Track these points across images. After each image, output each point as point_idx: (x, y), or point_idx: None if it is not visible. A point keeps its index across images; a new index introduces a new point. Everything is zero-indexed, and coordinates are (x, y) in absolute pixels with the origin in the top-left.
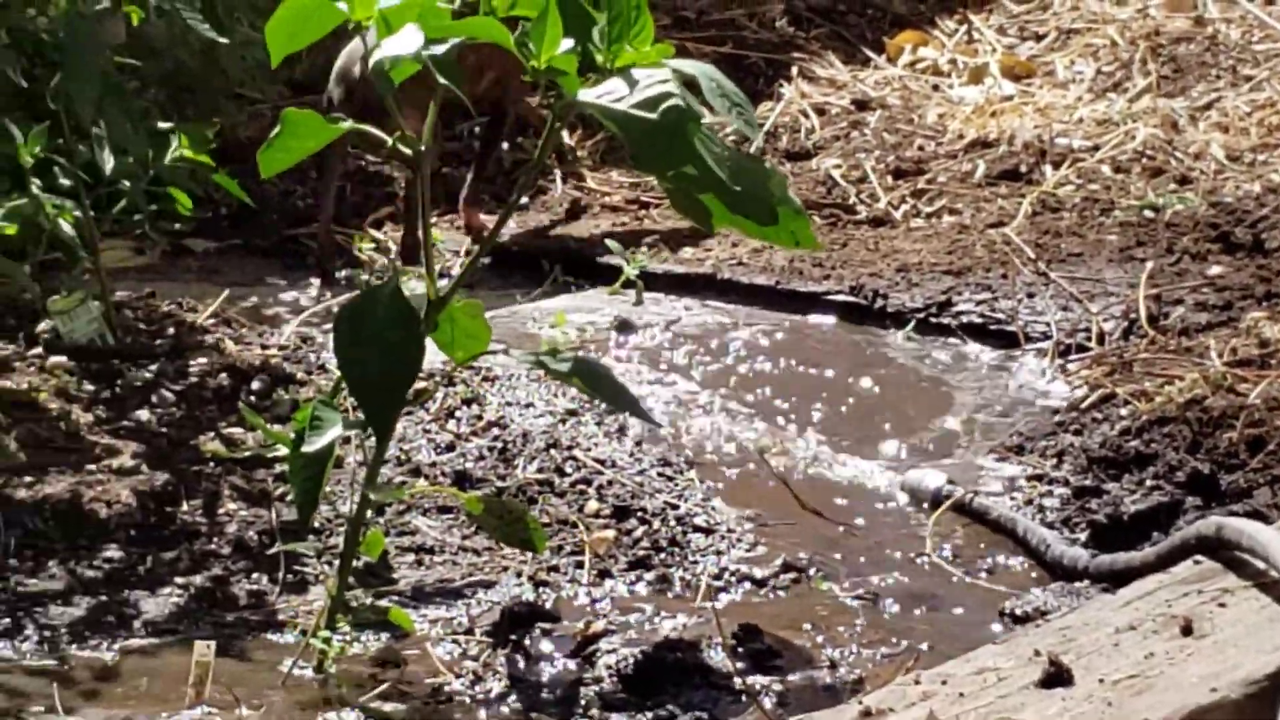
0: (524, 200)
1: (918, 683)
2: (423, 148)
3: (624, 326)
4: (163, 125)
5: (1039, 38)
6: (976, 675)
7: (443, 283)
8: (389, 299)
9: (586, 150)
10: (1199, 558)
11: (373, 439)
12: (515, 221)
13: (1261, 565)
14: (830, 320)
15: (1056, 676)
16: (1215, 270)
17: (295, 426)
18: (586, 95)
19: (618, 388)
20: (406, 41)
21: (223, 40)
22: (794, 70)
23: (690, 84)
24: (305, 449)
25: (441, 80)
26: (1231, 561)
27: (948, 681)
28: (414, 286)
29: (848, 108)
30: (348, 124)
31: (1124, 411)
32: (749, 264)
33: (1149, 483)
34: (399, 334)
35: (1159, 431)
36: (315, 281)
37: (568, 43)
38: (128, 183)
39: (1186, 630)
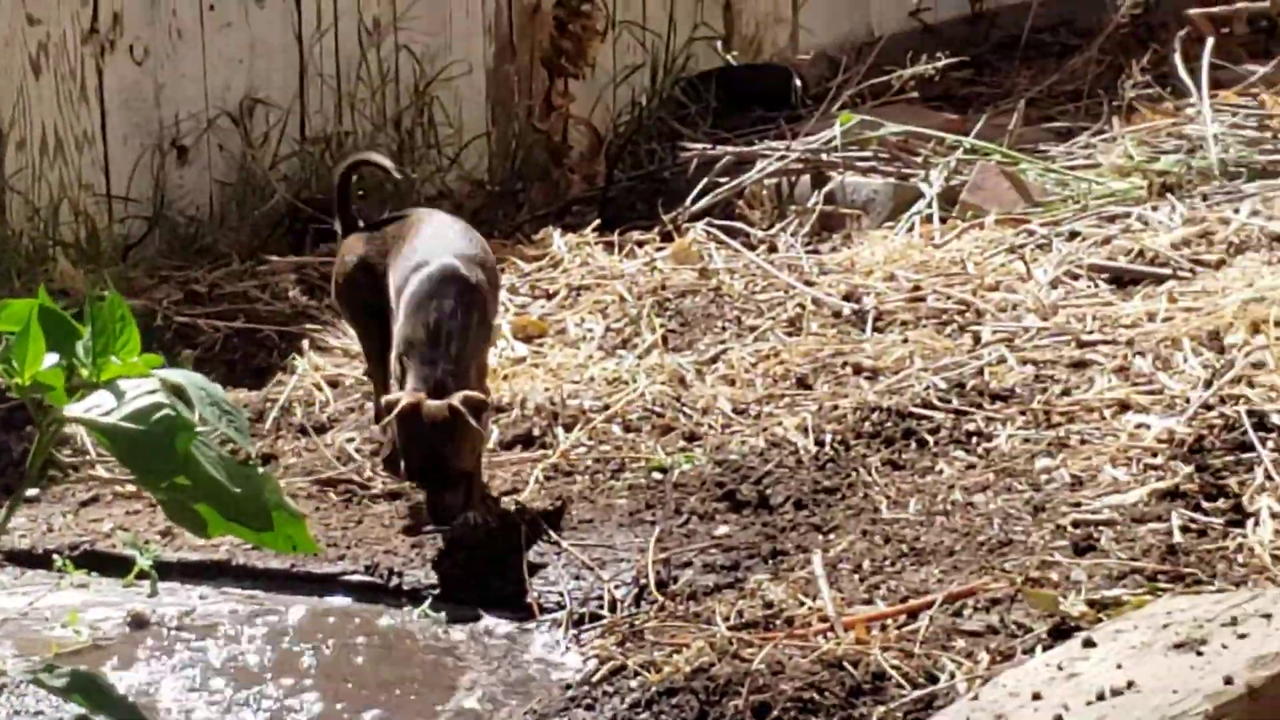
0: (34, 492)
1: None
2: None
3: (138, 622)
4: None
5: (550, 295)
6: None
7: None
8: None
9: (94, 439)
10: None
11: None
12: (26, 515)
13: None
14: (346, 601)
15: None
16: (722, 530)
17: None
18: (74, 409)
19: (117, 701)
20: None
21: None
22: (305, 342)
23: (179, 392)
24: None
25: None
26: None
27: None
28: None
29: (360, 378)
30: None
31: (634, 683)
32: (263, 549)
33: None
34: None
35: (668, 703)
36: None
37: (52, 358)
38: None
39: None
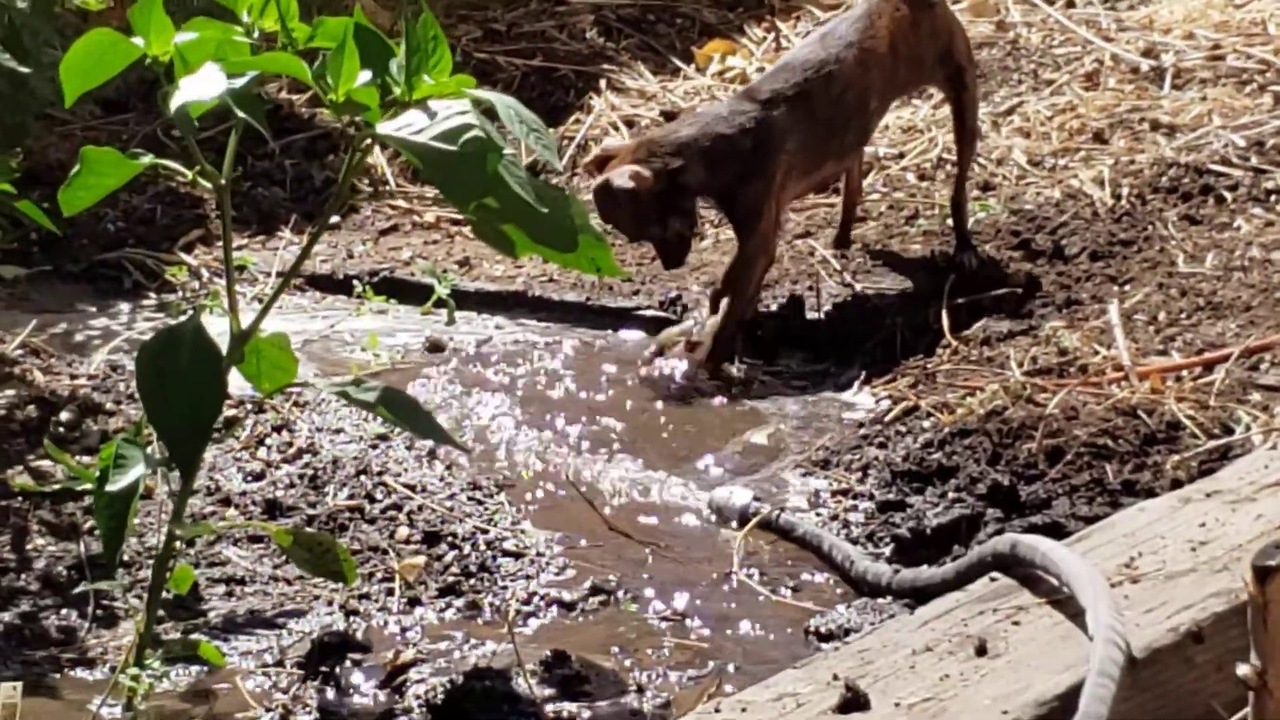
0: (335, 219)
1: (718, 711)
2: (223, 180)
3: (435, 347)
4: None
5: None
6: (775, 701)
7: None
8: (191, 335)
9: (396, 168)
10: (995, 574)
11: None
12: (326, 242)
13: (1054, 582)
14: (640, 336)
15: (853, 702)
16: (1017, 278)
17: (100, 464)
18: (386, 128)
19: (423, 416)
20: (207, 85)
21: (25, 70)
22: (603, 82)
23: (489, 112)
24: (109, 488)
25: (240, 114)
26: (1026, 578)
27: (747, 709)
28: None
29: (657, 119)
30: (148, 159)
31: (927, 424)
32: (559, 280)
33: (951, 495)
34: (202, 371)
35: (960, 444)
36: (125, 307)
37: (365, 75)
38: None
39: (981, 650)
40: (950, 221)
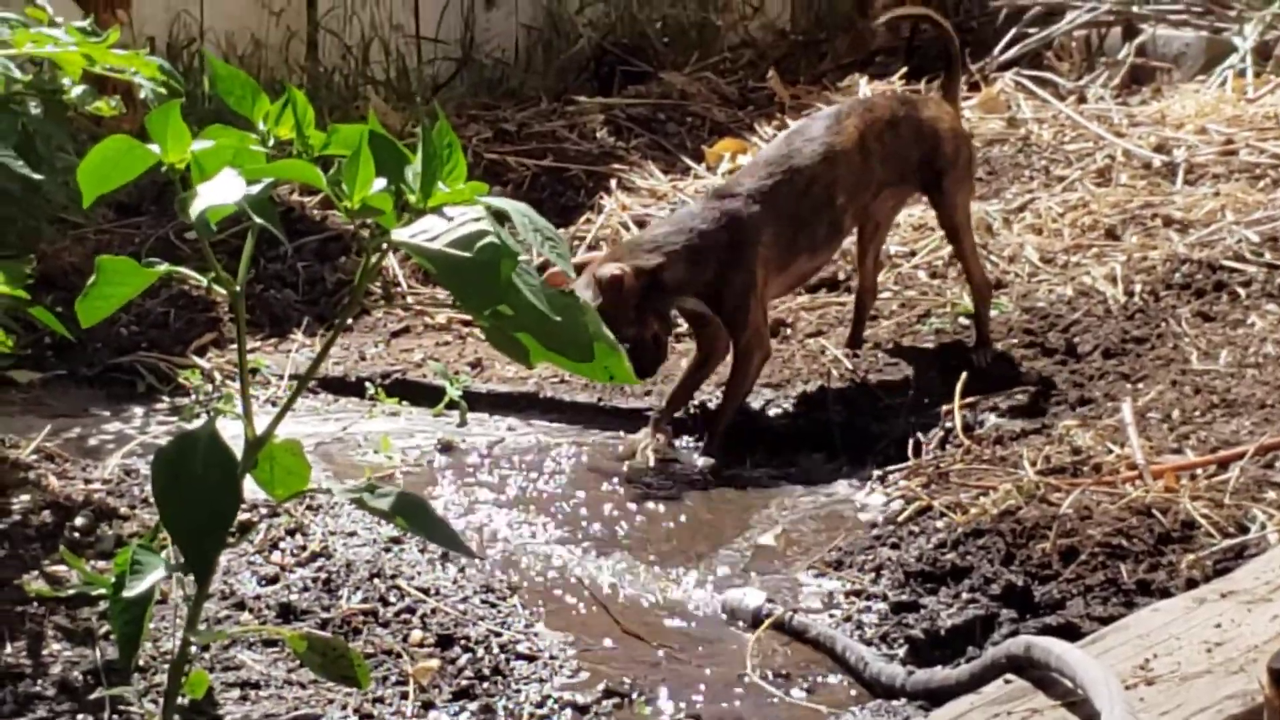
0: (347, 322)
1: None
2: (237, 287)
3: (448, 449)
4: None
5: None
6: None
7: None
8: (207, 441)
9: (408, 270)
10: (1010, 676)
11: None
12: (339, 344)
13: (1069, 684)
14: None
15: None
16: (1029, 376)
17: (115, 569)
18: (401, 234)
19: (438, 523)
20: (226, 191)
21: (38, 177)
22: (614, 182)
23: (501, 218)
24: (125, 594)
25: (257, 220)
26: (1041, 681)
27: None
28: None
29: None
30: (164, 267)
31: (940, 524)
32: (571, 382)
33: (965, 596)
34: (217, 477)
35: (974, 544)
36: (139, 411)
37: (380, 182)
38: None
39: None
40: (963, 320)
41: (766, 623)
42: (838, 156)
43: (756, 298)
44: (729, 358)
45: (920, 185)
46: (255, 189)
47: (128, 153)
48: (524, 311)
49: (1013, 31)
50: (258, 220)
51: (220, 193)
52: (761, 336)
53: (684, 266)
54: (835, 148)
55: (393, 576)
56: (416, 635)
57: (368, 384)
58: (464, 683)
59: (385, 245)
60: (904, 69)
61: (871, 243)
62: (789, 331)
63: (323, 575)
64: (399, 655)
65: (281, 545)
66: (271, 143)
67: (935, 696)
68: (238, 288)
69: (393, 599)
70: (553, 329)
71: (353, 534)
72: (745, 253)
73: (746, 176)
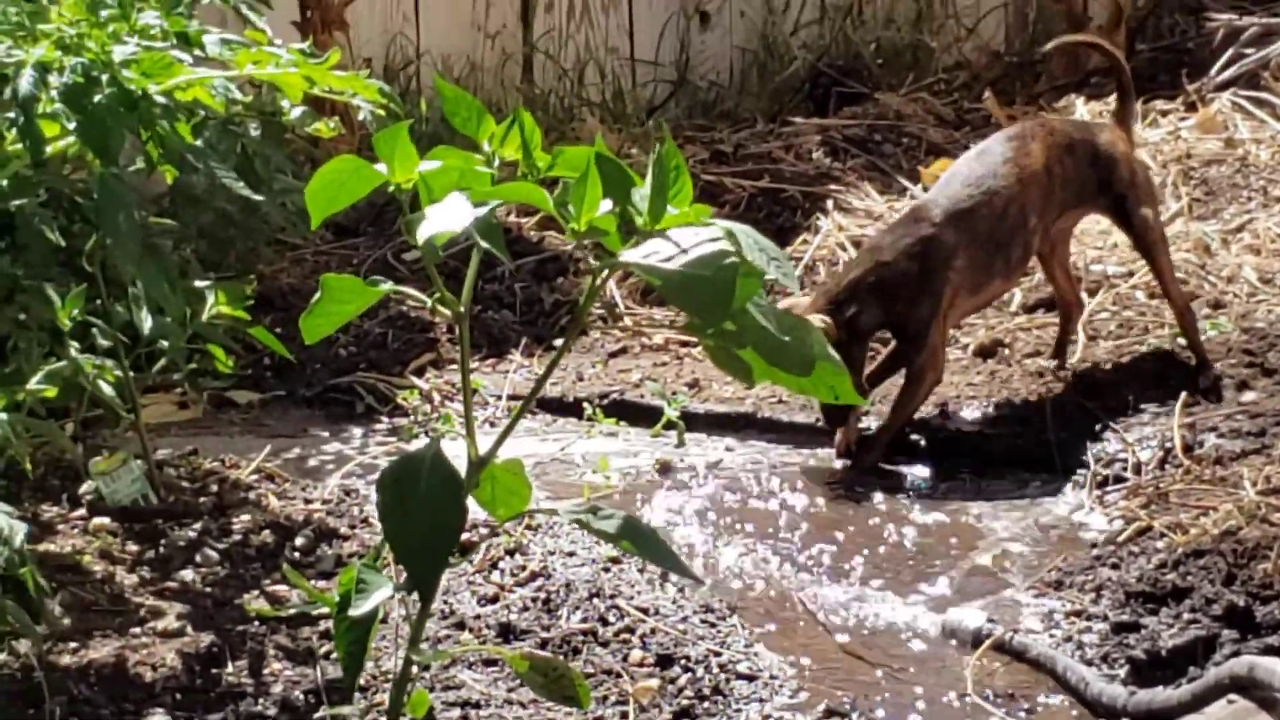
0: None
1: None
2: (461, 308)
3: (666, 469)
4: (200, 283)
5: None
6: None
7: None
8: (431, 462)
9: (625, 291)
10: (1233, 697)
11: (416, 596)
12: (557, 365)
13: None
14: None
15: None
16: (1249, 396)
17: (340, 589)
18: (631, 256)
19: (660, 546)
20: (454, 216)
21: (258, 198)
22: (830, 203)
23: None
24: (351, 613)
25: (483, 244)
26: (1265, 701)
27: None
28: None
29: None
30: (387, 286)
31: (1160, 544)
32: (789, 402)
33: (1186, 616)
34: (441, 497)
35: (1195, 564)
36: (357, 431)
37: (607, 204)
38: (165, 342)
39: None
40: (1181, 341)
41: (987, 643)
42: (1030, 178)
43: (939, 321)
44: (906, 374)
45: (1105, 210)
46: (481, 211)
47: (354, 173)
48: (750, 330)
49: (1229, 51)
50: (482, 244)
51: (448, 218)
52: (937, 360)
53: (876, 307)
54: (1027, 170)
55: (612, 596)
56: (636, 655)
57: (586, 404)
58: (684, 702)
59: (611, 267)
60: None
61: (1055, 260)
62: (1006, 351)
63: (542, 595)
64: (619, 675)
65: (501, 565)
66: (496, 164)
67: (1157, 718)
68: (461, 308)
69: (612, 619)
70: (779, 347)
71: (572, 554)
72: (936, 279)
73: (941, 198)
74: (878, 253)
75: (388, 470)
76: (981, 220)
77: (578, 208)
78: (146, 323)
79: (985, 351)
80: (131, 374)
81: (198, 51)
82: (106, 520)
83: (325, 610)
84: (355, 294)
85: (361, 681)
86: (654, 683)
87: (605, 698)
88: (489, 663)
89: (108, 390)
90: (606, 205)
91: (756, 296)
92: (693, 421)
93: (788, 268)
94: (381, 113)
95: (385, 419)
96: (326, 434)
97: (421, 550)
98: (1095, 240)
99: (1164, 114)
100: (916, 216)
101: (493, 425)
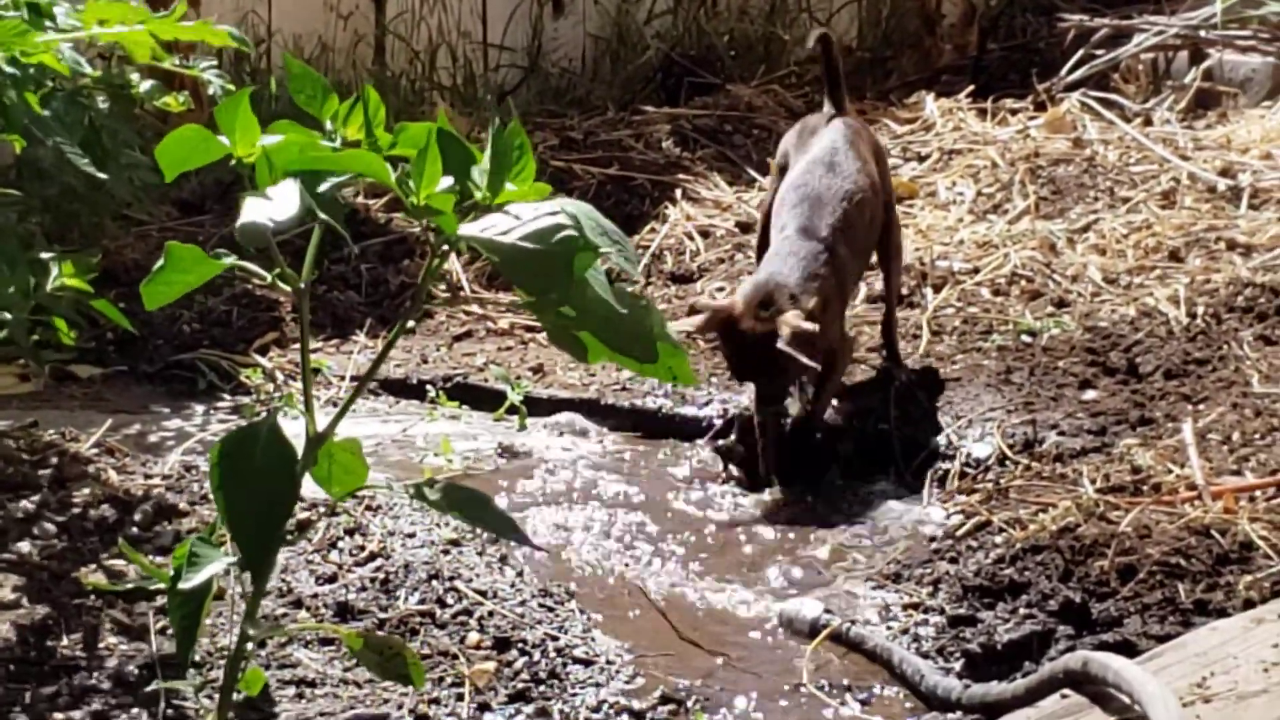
0: (409, 324)
1: None
2: (302, 284)
3: (507, 452)
4: (45, 255)
5: (921, 158)
6: None
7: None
8: (266, 437)
9: (471, 274)
10: (1066, 691)
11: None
12: (401, 346)
13: (1126, 700)
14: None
15: None
16: (1090, 395)
17: (174, 563)
18: (469, 229)
19: (498, 515)
20: (283, 205)
21: (102, 176)
22: (679, 192)
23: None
24: (183, 585)
25: (322, 216)
26: (1098, 696)
27: None
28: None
29: (732, 230)
30: (230, 259)
31: (999, 539)
32: (632, 389)
33: (1022, 611)
34: (276, 470)
35: (1032, 560)
36: (199, 408)
37: (447, 180)
38: (8, 314)
39: None
40: (1025, 338)
41: (824, 633)
42: (873, 184)
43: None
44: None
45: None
46: (323, 187)
47: (201, 143)
48: (588, 309)
49: (1080, 52)
50: (323, 218)
51: (276, 207)
52: (847, 344)
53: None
54: (871, 176)
55: (451, 578)
56: (473, 637)
57: (429, 387)
58: (520, 685)
59: (450, 243)
60: (970, 86)
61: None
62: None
63: (380, 575)
64: (455, 657)
65: (340, 545)
66: (339, 142)
67: (992, 710)
68: (302, 284)
69: (450, 601)
70: (618, 327)
71: (411, 535)
72: (844, 292)
73: (824, 216)
74: (805, 257)
75: (223, 442)
76: (860, 231)
77: (418, 182)
78: None
79: None
80: None
81: (48, 22)
82: None
83: (162, 586)
84: (197, 264)
85: (197, 658)
86: (491, 665)
87: (441, 679)
88: (325, 642)
89: None
90: (448, 181)
91: (597, 275)
92: (535, 406)
93: (629, 250)
94: (231, 87)
95: (228, 397)
96: (168, 410)
97: (255, 524)
98: (942, 236)
99: (1013, 113)
100: (809, 234)
101: (335, 405)
